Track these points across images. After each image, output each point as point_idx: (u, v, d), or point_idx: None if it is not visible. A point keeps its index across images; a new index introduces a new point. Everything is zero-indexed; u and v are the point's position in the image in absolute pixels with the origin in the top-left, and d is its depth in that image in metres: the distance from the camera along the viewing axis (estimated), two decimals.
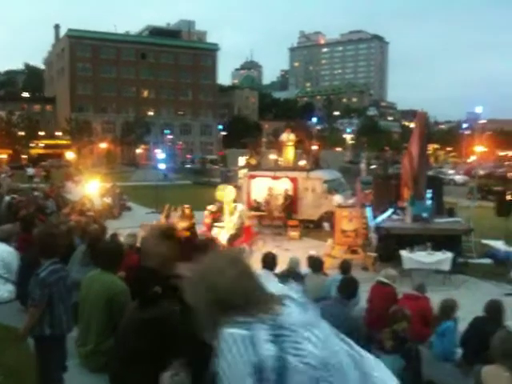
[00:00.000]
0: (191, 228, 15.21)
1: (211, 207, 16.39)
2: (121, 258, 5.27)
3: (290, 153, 21.89)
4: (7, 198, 18.65)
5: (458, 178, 47.70)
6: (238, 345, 1.81)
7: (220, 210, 15.80)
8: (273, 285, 2.11)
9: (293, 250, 14.35)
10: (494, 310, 5.96)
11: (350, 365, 1.98)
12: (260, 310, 1.92)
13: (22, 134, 73.10)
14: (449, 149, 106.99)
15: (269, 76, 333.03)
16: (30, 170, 43.19)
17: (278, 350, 1.81)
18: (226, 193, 15.57)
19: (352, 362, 2.00)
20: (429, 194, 13.66)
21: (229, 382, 1.80)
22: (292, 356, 1.81)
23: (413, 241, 12.15)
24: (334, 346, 1.97)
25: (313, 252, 12.45)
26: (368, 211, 14.49)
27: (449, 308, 6.59)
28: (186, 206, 16.30)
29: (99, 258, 5.30)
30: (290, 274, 8.07)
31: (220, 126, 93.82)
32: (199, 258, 2.12)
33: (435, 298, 7.49)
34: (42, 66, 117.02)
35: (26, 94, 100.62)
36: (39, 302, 4.33)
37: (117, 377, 4.05)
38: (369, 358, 2.11)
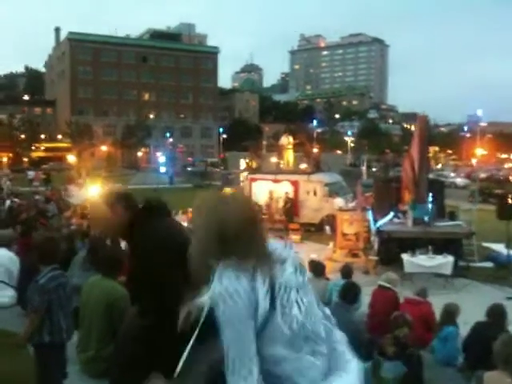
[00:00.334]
0: None
1: None
2: (121, 263, 5.25)
3: (289, 156, 21.91)
4: (8, 202, 18.67)
5: (459, 180, 47.71)
6: (238, 291, 1.86)
7: None
8: (276, 245, 2.14)
9: None
10: (497, 314, 5.94)
11: (323, 334, 2.04)
12: (261, 262, 1.96)
13: (23, 137, 73.14)
14: (449, 152, 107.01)
15: (269, 79, 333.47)
16: (31, 174, 43.14)
17: (270, 303, 1.89)
18: None
19: (324, 331, 2.05)
20: (430, 197, 13.63)
21: (229, 326, 1.85)
22: (280, 315, 1.90)
23: (414, 244, 12.14)
24: (314, 315, 2.02)
25: (314, 256, 12.47)
26: (369, 214, 14.49)
27: (451, 313, 6.57)
28: (190, 209, 16.37)
29: (100, 264, 5.29)
30: None
31: (221, 129, 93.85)
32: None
33: (437, 302, 7.47)
34: (43, 69, 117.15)
35: (26, 97, 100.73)
36: (38, 309, 4.30)
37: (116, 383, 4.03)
38: (337, 331, 2.15)
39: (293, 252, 2.16)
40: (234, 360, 1.85)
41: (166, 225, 3.15)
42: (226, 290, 1.87)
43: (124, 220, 3.10)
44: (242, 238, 1.98)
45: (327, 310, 2.19)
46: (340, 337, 2.14)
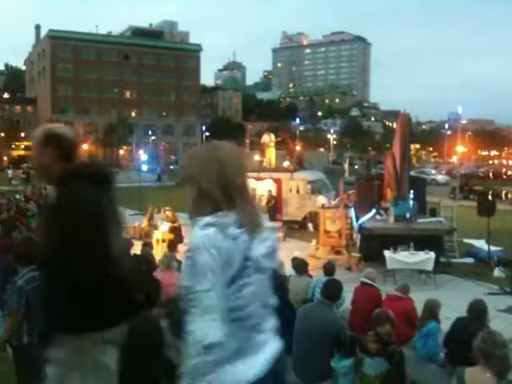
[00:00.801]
0: (176, 230, 15.22)
1: None
2: None
3: (271, 154, 21.92)
4: None
5: (440, 177, 48.13)
6: (215, 247, 1.95)
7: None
8: (266, 220, 2.24)
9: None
10: (477, 310, 5.98)
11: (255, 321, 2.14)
12: (250, 218, 2.07)
13: (3, 135, 72.20)
14: (430, 149, 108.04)
15: (252, 77, 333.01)
16: (11, 172, 42.64)
17: (237, 273, 2.00)
18: None
19: (257, 317, 2.15)
20: (411, 194, 13.72)
21: (200, 275, 1.94)
22: (235, 287, 2.02)
23: (396, 241, 12.20)
24: (259, 300, 2.12)
25: (297, 253, 12.48)
26: (352, 212, 14.55)
27: (433, 308, 6.61)
28: (167, 208, 16.28)
29: None
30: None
31: (203, 127, 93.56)
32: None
33: (418, 298, 7.51)
34: (23, 67, 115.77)
35: (6, 95, 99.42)
36: (16, 311, 4.24)
37: None
38: (271, 319, 2.27)
39: (276, 237, 2.26)
40: (200, 307, 1.94)
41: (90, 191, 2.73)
42: (204, 243, 1.95)
43: (53, 160, 2.84)
44: (238, 183, 2.09)
45: (272, 300, 2.25)
46: (271, 325, 2.22)
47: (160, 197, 25.59)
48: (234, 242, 1.99)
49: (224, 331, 1.94)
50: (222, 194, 2.05)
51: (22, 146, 76.88)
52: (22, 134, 79.34)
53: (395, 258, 11.74)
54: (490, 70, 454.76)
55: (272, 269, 2.21)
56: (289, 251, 13.80)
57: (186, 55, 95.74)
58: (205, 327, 1.92)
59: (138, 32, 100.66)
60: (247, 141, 57.71)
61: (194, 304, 1.94)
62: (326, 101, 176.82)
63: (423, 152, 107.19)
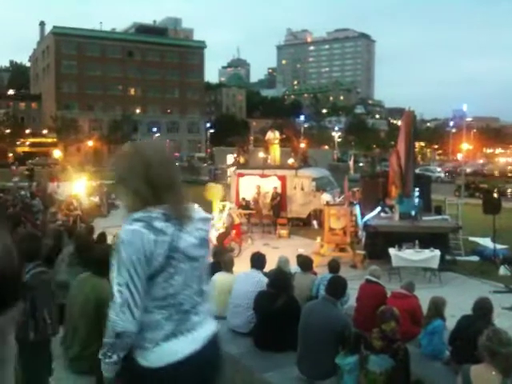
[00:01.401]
0: None
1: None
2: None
3: (276, 151, 21.89)
4: None
5: (445, 175, 48.03)
6: (141, 240, 2.12)
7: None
8: (198, 210, 2.45)
9: (282, 249, 14.35)
10: (483, 308, 5.97)
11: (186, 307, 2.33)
12: (177, 212, 2.23)
13: (8, 132, 72.35)
14: (435, 147, 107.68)
15: (256, 74, 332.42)
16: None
17: (165, 262, 2.17)
18: (214, 191, 15.59)
19: (189, 304, 2.33)
20: (416, 192, 13.70)
21: (122, 265, 2.13)
22: (164, 276, 2.19)
23: (401, 239, 12.18)
24: (190, 288, 2.29)
25: (302, 250, 12.49)
26: (357, 209, 14.54)
27: (438, 306, 6.61)
28: None
29: (90, 262, 5.24)
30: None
31: (208, 124, 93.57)
32: None
33: (423, 296, 7.51)
34: (28, 64, 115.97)
35: (11, 92, 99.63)
36: (22, 307, 4.24)
37: None
38: (206, 304, 2.43)
39: (209, 227, 2.47)
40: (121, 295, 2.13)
41: None
42: (129, 238, 2.13)
43: None
44: (164, 179, 2.25)
45: (207, 287, 2.43)
46: (206, 308, 2.40)
47: None
48: (160, 235, 2.15)
49: (135, 323, 2.13)
50: (150, 191, 2.21)
51: (27, 143, 77.07)
52: (27, 131, 79.55)
53: (400, 255, 11.73)
54: (496, 67, 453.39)
55: (204, 257, 2.39)
56: (293, 248, 13.84)
57: (190, 52, 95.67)
58: (116, 318, 2.12)
59: (142, 29, 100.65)
60: (251, 138, 57.64)
61: (113, 294, 2.14)
62: (331, 98, 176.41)
63: (428, 150, 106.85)
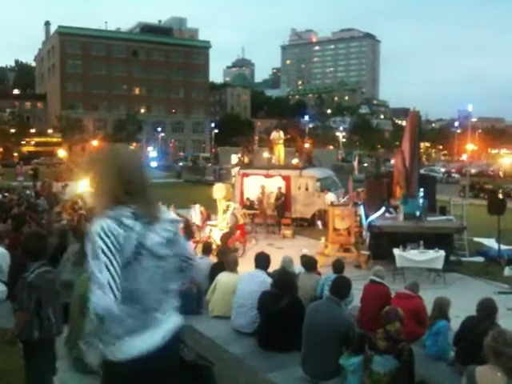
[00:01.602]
0: (186, 226, 15.40)
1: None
2: None
3: (280, 151, 21.87)
4: None
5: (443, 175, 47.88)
6: (112, 234, 2.27)
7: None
8: (167, 212, 2.63)
9: (286, 249, 14.35)
10: (487, 308, 5.97)
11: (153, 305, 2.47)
12: (146, 211, 2.40)
13: (13, 131, 72.55)
14: (440, 147, 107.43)
15: (261, 74, 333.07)
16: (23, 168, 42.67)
17: (133, 258, 2.32)
18: (221, 191, 15.60)
19: (155, 302, 2.47)
20: (421, 192, 13.66)
21: (95, 256, 2.25)
22: (131, 272, 2.33)
23: (405, 239, 12.15)
24: (155, 285, 2.43)
25: (306, 251, 12.49)
26: (361, 209, 14.51)
27: (442, 306, 6.60)
28: (171, 209, 16.45)
29: None
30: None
31: (212, 124, 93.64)
32: None
33: (428, 297, 7.50)
34: (33, 63, 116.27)
35: (16, 92, 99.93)
36: (26, 307, 4.24)
37: None
38: (172, 300, 2.59)
39: (177, 228, 2.61)
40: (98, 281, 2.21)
41: None
42: (101, 231, 2.26)
43: None
44: (135, 181, 2.43)
45: (173, 285, 2.57)
46: (171, 305, 2.54)
47: (162, 193, 25.72)
48: (129, 231, 2.31)
49: (117, 304, 2.22)
50: (121, 191, 2.38)
51: (33, 142, 77.29)
52: (32, 130, 79.74)
53: (405, 256, 11.70)
54: (501, 67, 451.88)
55: (171, 256, 2.50)
56: (298, 249, 13.84)
57: (195, 52, 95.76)
58: (99, 301, 2.19)
59: (146, 29, 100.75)
60: (256, 138, 57.61)
61: (93, 279, 2.23)
62: (335, 98, 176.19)
63: (433, 150, 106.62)
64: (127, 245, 2.30)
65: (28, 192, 22.66)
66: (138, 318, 2.36)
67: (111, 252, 2.25)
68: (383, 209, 14.11)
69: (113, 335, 2.31)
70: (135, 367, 2.32)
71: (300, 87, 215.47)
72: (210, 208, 17.22)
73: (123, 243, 2.28)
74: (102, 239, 2.26)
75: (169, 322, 2.47)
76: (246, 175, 20.48)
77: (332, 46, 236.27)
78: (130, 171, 2.44)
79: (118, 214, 2.33)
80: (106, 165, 2.44)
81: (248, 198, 19.31)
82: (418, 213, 13.19)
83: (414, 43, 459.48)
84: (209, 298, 7.97)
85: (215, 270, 8.75)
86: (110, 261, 2.24)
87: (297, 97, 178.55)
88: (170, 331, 2.46)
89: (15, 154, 67.04)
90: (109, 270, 2.23)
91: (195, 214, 17.09)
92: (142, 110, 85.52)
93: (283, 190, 19.41)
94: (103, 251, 2.24)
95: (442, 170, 52.38)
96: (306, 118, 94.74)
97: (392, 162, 33.42)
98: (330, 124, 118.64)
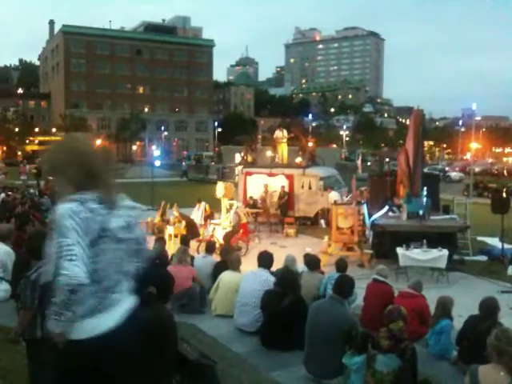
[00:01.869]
0: (190, 225, 15.54)
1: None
2: None
3: (284, 150, 21.85)
4: (2, 195, 18.57)
5: (454, 174, 47.78)
6: (76, 214, 2.39)
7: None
8: (127, 201, 2.73)
9: (289, 248, 14.34)
10: (489, 307, 5.96)
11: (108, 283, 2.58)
12: (106, 196, 2.52)
13: (17, 130, 72.74)
14: (444, 146, 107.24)
15: (264, 72, 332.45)
16: (27, 167, 42.78)
17: (95, 240, 2.44)
18: (224, 189, 15.61)
19: (110, 281, 2.58)
20: (425, 191, 13.64)
21: (61, 234, 2.37)
22: (92, 254, 2.44)
23: (408, 238, 12.13)
24: (113, 267, 2.54)
25: (309, 249, 12.47)
26: (364, 208, 14.49)
27: (445, 305, 6.59)
28: (174, 208, 16.56)
29: None
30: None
31: (216, 123, 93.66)
32: None
33: (431, 296, 7.49)
34: (37, 62, 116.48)
35: (20, 90, 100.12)
36: (30, 305, 4.24)
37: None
38: (125, 282, 2.66)
39: (136, 214, 2.75)
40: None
41: None
42: (67, 212, 2.38)
43: None
44: (95, 168, 2.55)
45: (132, 267, 2.66)
46: (127, 287, 2.63)
47: (166, 192, 25.70)
48: (92, 213, 2.44)
49: (86, 275, 2.34)
50: (83, 178, 2.51)
51: (36, 141, 77.48)
52: (36, 129, 79.93)
53: (408, 255, 11.68)
54: (506, 66, 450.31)
55: (132, 240, 2.63)
56: (301, 247, 13.82)
57: (199, 51, 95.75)
58: (72, 272, 2.30)
59: (150, 27, 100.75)
60: (259, 136, 57.59)
61: (63, 254, 2.32)
62: (339, 97, 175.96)
63: (437, 149, 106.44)
64: (92, 226, 2.42)
65: (32, 191, 22.70)
66: (98, 298, 2.47)
67: (77, 232, 2.36)
68: (386, 208, 14.10)
69: (73, 314, 2.39)
70: (94, 345, 2.43)
71: (304, 86, 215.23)
72: (214, 207, 17.25)
73: (88, 225, 2.41)
74: (68, 220, 2.37)
75: (126, 303, 2.59)
76: (250, 174, 20.46)
77: (336, 45, 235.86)
78: (90, 158, 2.56)
79: (83, 197, 2.46)
80: (67, 153, 2.57)
81: (251, 197, 19.30)
82: (421, 212, 13.16)
83: (418, 42, 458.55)
84: (212, 296, 7.98)
85: (218, 268, 8.76)
86: (80, 237, 2.36)
87: (300, 95, 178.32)
88: (127, 311, 2.56)
89: (19, 153, 67.21)
90: (80, 244, 2.35)
91: (198, 212, 17.15)
92: (146, 109, 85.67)
93: (286, 189, 19.40)
94: (72, 229, 2.36)
95: (447, 168, 52.27)
96: (310, 116, 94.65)
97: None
98: (334, 122, 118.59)
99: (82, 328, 2.44)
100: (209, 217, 16.66)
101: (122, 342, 2.49)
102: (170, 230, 15.17)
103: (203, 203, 17.30)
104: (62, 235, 2.36)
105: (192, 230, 15.22)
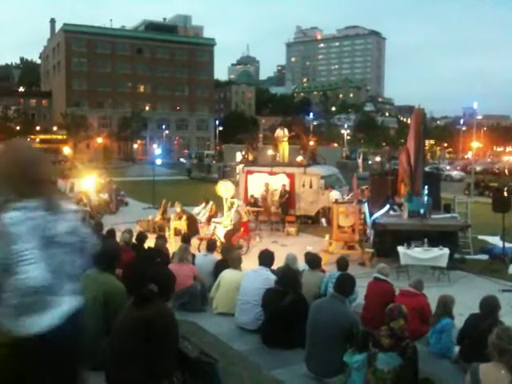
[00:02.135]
0: (191, 222, 15.64)
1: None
2: (118, 258, 5.24)
3: (285, 148, 21.85)
4: None
5: (455, 173, 47.74)
6: (15, 223, 2.44)
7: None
8: (68, 205, 2.81)
9: (290, 246, 14.36)
10: (490, 305, 5.96)
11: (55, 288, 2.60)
12: (46, 203, 2.57)
13: (18, 128, 72.76)
14: (445, 145, 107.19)
15: (265, 71, 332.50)
16: None
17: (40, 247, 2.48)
18: (225, 188, 15.64)
19: (58, 286, 2.60)
20: (426, 190, 13.63)
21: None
22: (38, 259, 2.46)
23: (410, 237, 12.13)
24: (59, 272, 2.57)
25: (310, 248, 12.47)
26: (365, 207, 14.49)
27: (447, 304, 6.59)
28: (176, 203, 16.74)
29: (96, 259, 5.26)
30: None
31: (217, 122, 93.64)
32: None
33: (432, 294, 7.49)
34: (38, 61, 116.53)
35: (22, 89, 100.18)
36: None
37: (113, 376, 4.03)
38: (71, 284, 2.69)
39: (78, 217, 2.85)
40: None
41: None
42: (13, 220, 2.43)
43: None
44: (36, 174, 2.60)
45: (77, 270, 2.72)
46: (71, 288, 2.66)
47: (167, 191, 25.71)
48: (38, 220, 2.51)
49: (45, 277, 2.43)
50: (27, 186, 2.56)
51: (38, 140, 77.45)
52: (37, 128, 79.97)
53: (409, 253, 11.69)
54: (506, 65, 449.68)
55: (76, 243, 2.70)
56: (302, 246, 13.83)
57: (200, 49, 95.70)
58: (36, 274, 2.39)
59: (151, 26, 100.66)
60: (260, 135, 57.59)
61: (20, 259, 2.39)
62: (340, 96, 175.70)
63: (438, 148, 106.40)
64: (38, 233, 2.49)
65: None
66: (42, 298, 2.51)
67: (27, 238, 2.44)
68: (387, 206, 14.10)
69: (29, 304, 2.45)
70: (36, 344, 2.47)
71: (305, 84, 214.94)
72: (217, 206, 17.27)
73: (35, 231, 2.48)
74: (16, 227, 2.43)
75: (69, 303, 2.63)
76: (251, 173, 20.47)
77: (337, 44, 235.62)
78: (33, 167, 2.62)
79: (28, 205, 2.52)
80: (8, 161, 2.62)
81: (252, 196, 19.30)
82: (422, 210, 13.17)
83: (418, 41, 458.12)
84: (213, 295, 7.99)
85: (219, 267, 8.77)
86: (30, 245, 2.44)
87: (301, 94, 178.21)
88: (70, 312, 2.61)
89: None
90: (34, 250, 2.44)
91: (203, 210, 17.22)
92: (147, 108, 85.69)
93: (287, 188, 19.40)
94: (22, 237, 2.43)
95: (448, 167, 52.21)
96: (311, 115, 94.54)
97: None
98: (335, 121, 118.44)
99: (23, 327, 2.48)
100: (213, 216, 16.70)
101: (62, 342, 2.54)
102: (171, 225, 15.74)
103: (211, 203, 17.35)
104: (13, 242, 2.42)
105: (192, 226, 15.40)
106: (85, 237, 2.81)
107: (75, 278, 2.73)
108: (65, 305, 2.62)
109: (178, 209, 16.39)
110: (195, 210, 17.29)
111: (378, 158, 66.52)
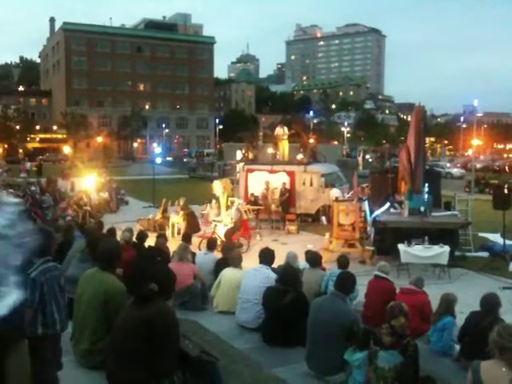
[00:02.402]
0: (191, 218, 15.79)
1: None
2: (119, 257, 5.23)
3: (285, 147, 21.84)
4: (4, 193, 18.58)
5: (455, 171, 47.70)
6: None
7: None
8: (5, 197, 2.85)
9: (290, 244, 14.35)
10: (490, 303, 5.96)
11: None
12: None
13: (18, 127, 72.75)
14: (445, 142, 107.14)
15: (265, 69, 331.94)
16: (27, 164, 43.03)
17: None
18: (222, 186, 15.65)
19: None
20: (426, 187, 13.62)
21: None
22: None
23: (410, 234, 12.12)
24: None
25: (310, 246, 12.48)
26: (366, 205, 14.48)
27: (449, 302, 6.58)
28: (181, 197, 17.00)
29: (97, 258, 5.25)
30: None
31: (217, 120, 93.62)
32: None
33: (433, 292, 7.49)
34: (38, 60, 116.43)
35: (21, 88, 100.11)
36: (30, 303, 4.24)
37: (114, 376, 4.03)
38: (12, 276, 2.70)
39: (18, 210, 2.79)
40: None
41: None
42: None
43: None
44: None
45: (14, 261, 2.68)
46: (13, 280, 2.66)
47: (167, 189, 25.69)
48: None
49: None
50: None
51: (37, 139, 77.51)
52: (37, 127, 79.95)
53: (409, 251, 11.68)
54: (507, 62, 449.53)
55: (15, 235, 2.68)
56: (302, 244, 13.83)
57: (200, 48, 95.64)
58: None
59: (151, 25, 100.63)
60: (260, 133, 57.57)
61: None
62: (340, 93, 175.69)
63: (438, 145, 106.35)
64: None
65: (33, 188, 22.73)
66: None
67: None
68: (388, 204, 14.08)
69: None
70: None
71: (305, 82, 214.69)
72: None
73: None
74: None
75: (10, 296, 2.64)
76: (251, 171, 20.45)
77: (337, 41, 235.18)
78: None
79: None
80: None
81: (252, 194, 19.29)
82: (422, 208, 13.16)
83: (418, 39, 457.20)
84: (213, 293, 7.99)
85: (220, 265, 8.76)
86: None
87: (301, 92, 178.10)
88: (12, 304, 2.63)
89: (20, 151, 67.24)
90: None
91: (211, 209, 17.31)
92: (147, 106, 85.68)
93: (288, 186, 19.38)
94: None
95: (448, 164, 52.14)
96: (311, 113, 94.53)
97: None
98: (335, 119, 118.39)
99: None
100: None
101: (4, 335, 2.60)
102: (172, 219, 16.27)
103: (213, 202, 17.43)
104: None
105: (191, 223, 15.53)
106: (22, 231, 2.80)
107: (16, 270, 2.73)
108: (10, 296, 2.64)
109: (181, 202, 16.62)
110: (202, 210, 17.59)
111: (369, 155, 66.35)
